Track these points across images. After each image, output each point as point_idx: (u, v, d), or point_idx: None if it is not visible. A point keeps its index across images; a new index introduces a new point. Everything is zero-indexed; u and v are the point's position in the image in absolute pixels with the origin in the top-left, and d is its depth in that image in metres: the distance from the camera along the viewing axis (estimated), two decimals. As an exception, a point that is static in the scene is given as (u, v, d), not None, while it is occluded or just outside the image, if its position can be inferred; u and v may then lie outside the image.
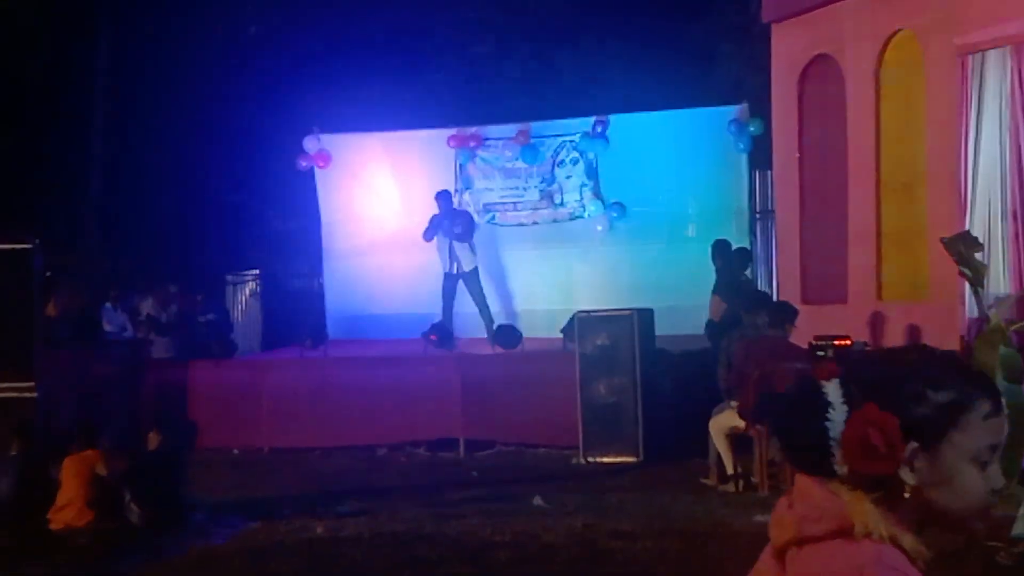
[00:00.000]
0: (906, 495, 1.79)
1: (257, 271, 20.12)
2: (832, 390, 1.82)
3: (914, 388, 1.80)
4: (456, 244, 14.86)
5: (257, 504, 10.11)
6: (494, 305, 15.34)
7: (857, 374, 1.84)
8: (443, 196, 15.09)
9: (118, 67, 21.02)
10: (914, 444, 1.77)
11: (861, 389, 1.81)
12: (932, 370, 1.82)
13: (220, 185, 21.29)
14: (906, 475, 1.78)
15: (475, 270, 15.06)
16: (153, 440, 9.50)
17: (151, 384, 13.38)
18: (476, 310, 15.08)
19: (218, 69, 20.64)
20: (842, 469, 1.79)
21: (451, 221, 14.85)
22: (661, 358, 12.46)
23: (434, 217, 14.97)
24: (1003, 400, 1.82)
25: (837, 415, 1.80)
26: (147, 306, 16.46)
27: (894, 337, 10.98)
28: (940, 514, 1.81)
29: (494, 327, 14.62)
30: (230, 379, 13.95)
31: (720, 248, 13.04)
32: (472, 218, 15.38)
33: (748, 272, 13.53)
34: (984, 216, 10.72)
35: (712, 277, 13.09)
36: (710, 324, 12.42)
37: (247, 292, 20.03)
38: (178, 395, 13.69)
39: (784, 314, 10.20)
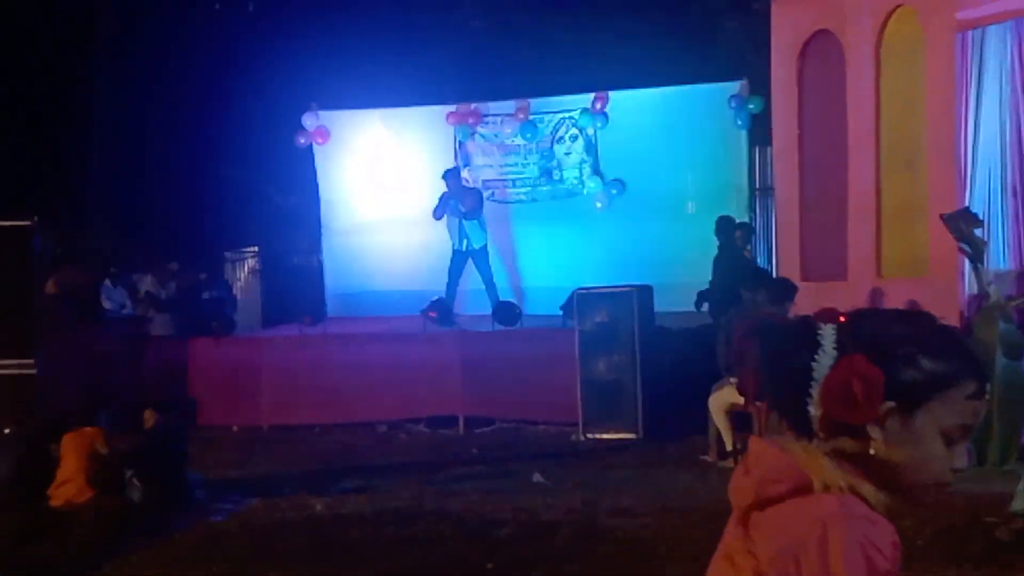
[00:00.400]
0: (872, 453, 1.81)
1: (256, 248, 20.12)
2: (827, 334, 1.85)
3: (909, 351, 1.82)
4: (466, 221, 14.86)
5: (257, 481, 10.14)
6: (493, 282, 15.33)
7: (856, 325, 1.87)
8: (452, 174, 15.08)
9: (117, 45, 20.98)
10: (891, 404, 1.80)
11: (855, 339, 1.83)
12: (932, 338, 1.84)
13: (219, 162, 21.26)
14: (873, 431, 1.81)
15: (484, 247, 15.06)
16: (149, 418, 9.51)
17: (151, 361, 13.41)
18: (478, 287, 15.10)
19: (216, 46, 20.59)
20: (815, 411, 1.82)
21: (458, 200, 14.84)
22: (660, 335, 12.48)
23: (443, 195, 14.94)
24: (988, 387, 1.85)
25: (824, 358, 1.83)
26: (146, 283, 16.46)
27: (894, 314, 10.98)
28: (893, 476, 1.83)
29: (497, 304, 14.64)
30: (230, 356, 13.98)
31: (722, 224, 13.08)
32: (481, 195, 15.35)
33: (749, 248, 13.55)
34: (984, 192, 10.74)
35: (713, 253, 13.11)
36: (701, 294, 12.49)
37: (246, 269, 20.04)
38: (178, 372, 13.72)
39: (784, 291, 10.21)
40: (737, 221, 13.56)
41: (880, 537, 1.75)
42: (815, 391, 1.82)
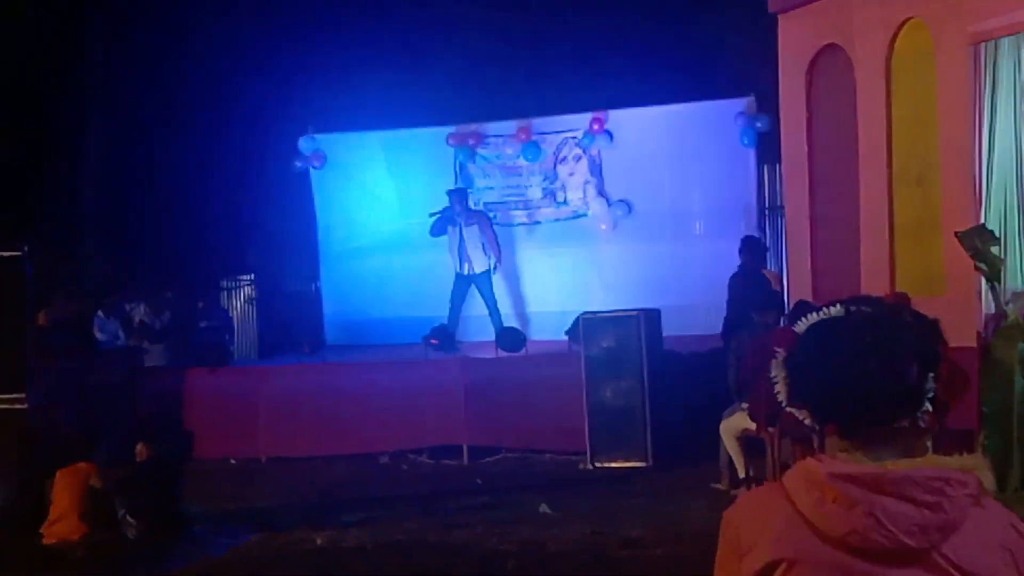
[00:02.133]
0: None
1: (252, 275, 20.11)
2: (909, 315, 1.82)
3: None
4: (468, 244, 14.87)
5: (256, 515, 10.12)
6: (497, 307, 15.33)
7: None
8: (458, 193, 15.10)
9: (110, 68, 21.04)
10: None
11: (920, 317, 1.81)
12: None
13: (214, 188, 21.27)
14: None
15: (488, 272, 15.08)
16: (142, 452, 9.48)
17: (145, 393, 13.38)
18: (481, 313, 15.10)
19: (211, 68, 20.65)
20: (928, 405, 1.76)
21: (466, 219, 14.89)
22: (669, 359, 12.45)
23: (444, 211, 14.94)
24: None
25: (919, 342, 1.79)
26: (140, 313, 16.46)
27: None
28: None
29: (501, 330, 14.64)
30: (227, 387, 13.96)
31: (747, 244, 12.93)
32: (490, 220, 15.36)
33: (764, 266, 13.40)
34: (1000, 208, 10.73)
35: (722, 274, 13.06)
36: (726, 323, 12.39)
37: (242, 297, 20.03)
38: (174, 404, 13.69)
39: (800, 313, 10.17)
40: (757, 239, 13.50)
41: None
42: (930, 385, 1.77)
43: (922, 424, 1.75)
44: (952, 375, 1.71)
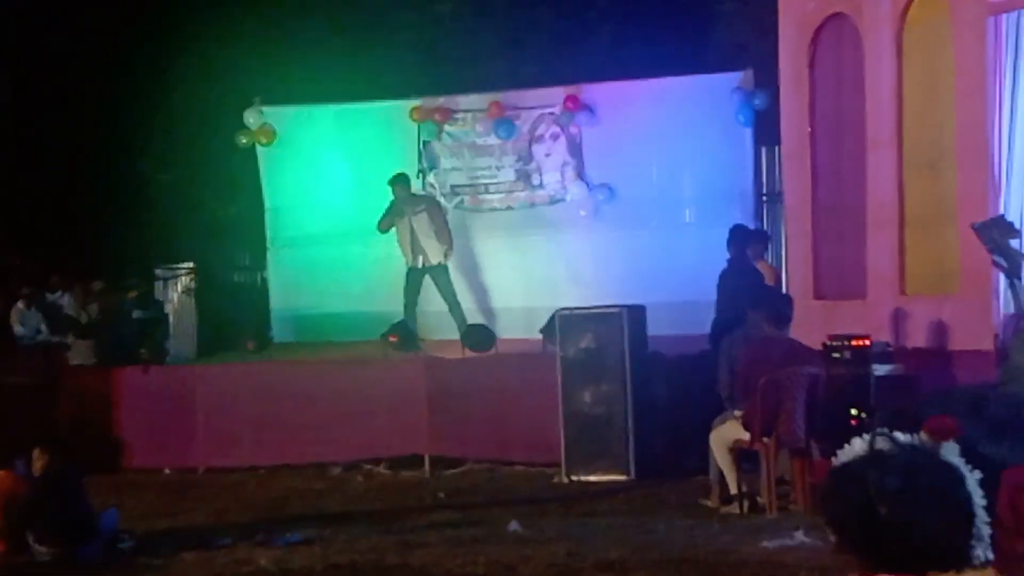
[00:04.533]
0: None
1: (191, 264, 20.02)
2: (952, 452, 1.72)
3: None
4: (420, 234, 14.89)
5: (192, 532, 10.09)
6: (463, 301, 15.34)
7: (984, 413, 1.77)
8: (400, 180, 15.10)
9: (25, 28, 20.88)
10: None
11: (978, 447, 1.73)
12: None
13: (148, 166, 21.18)
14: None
15: (443, 263, 15.09)
16: (38, 459, 9.26)
17: (69, 394, 13.33)
18: (444, 308, 15.10)
19: (144, 32, 20.53)
20: (983, 554, 1.69)
21: (413, 207, 14.92)
22: (654, 361, 12.48)
23: (392, 205, 15.00)
24: None
25: (974, 489, 1.69)
26: (64, 305, 16.40)
27: (919, 336, 11.03)
28: None
29: (465, 327, 14.65)
30: (161, 388, 13.93)
31: (734, 234, 12.94)
32: (438, 204, 15.41)
33: (766, 259, 13.40)
34: (1021, 198, 10.78)
35: (714, 267, 13.08)
36: (716, 323, 12.42)
37: (180, 288, 19.93)
38: (101, 407, 13.65)
39: (786, 311, 10.18)
40: (751, 229, 13.53)
41: None
42: (981, 529, 1.69)
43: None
44: (1016, 509, 1.66)
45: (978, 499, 1.65)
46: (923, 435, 1.71)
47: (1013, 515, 1.54)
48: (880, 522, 1.67)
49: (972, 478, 1.66)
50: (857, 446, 1.74)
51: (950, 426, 1.73)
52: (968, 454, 1.66)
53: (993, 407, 1.48)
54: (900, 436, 1.72)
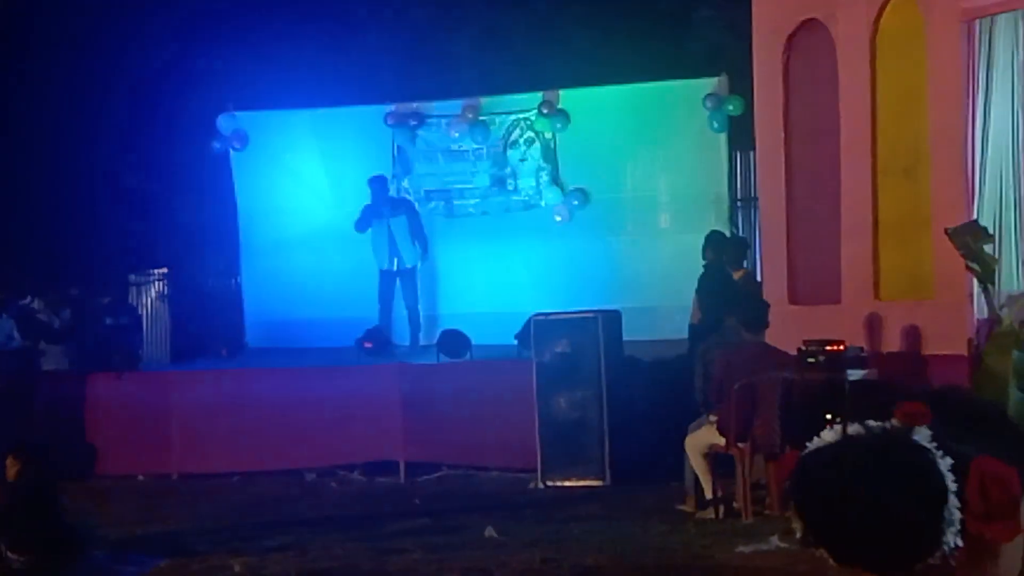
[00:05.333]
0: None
1: (164, 269, 19.96)
2: (924, 437, 1.71)
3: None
4: (397, 237, 14.92)
5: (166, 539, 10.08)
6: (438, 307, 15.39)
7: (943, 413, 1.75)
8: (377, 181, 15.13)
9: None
10: None
11: (955, 432, 1.72)
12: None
13: (121, 171, 21.10)
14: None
15: (415, 268, 15.15)
16: (11, 467, 9.24)
17: (42, 401, 13.26)
18: (424, 313, 15.20)
19: (116, 35, 20.47)
20: (953, 541, 1.66)
21: (391, 209, 14.96)
22: (630, 367, 12.50)
23: (368, 206, 15.01)
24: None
25: (944, 469, 1.68)
26: (37, 310, 16.31)
27: (894, 341, 11.09)
28: None
29: (438, 333, 14.67)
30: (134, 394, 13.90)
31: (710, 241, 12.99)
32: (414, 207, 15.45)
33: (746, 267, 13.46)
34: (995, 203, 10.84)
35: (690, 272, 13.13)
36: (692, 328, 12.46)
37: (153, 294, 19.87)
38: (74, 413, 13.60)
39: (762, 316, 10.25)
40: (728, 237, 13.60)
41: None
42: (952, 514, 1.66)
43: (952, 563, 1.66)
44: (986, 496, 1.66)
45: (949, 483, 1.66)
46: (894, 420, 1.72)
47: (983, 502, 1.54)
48: (851, 502, 1.67)
49: (943, 463, 1.67)
50: (828, 435, 1.74)
51: (921, 410, 1.72)
52: (938, 444, 1.67)
53: (963, 409, 1.48)
54: (871, 423, 1.73)
